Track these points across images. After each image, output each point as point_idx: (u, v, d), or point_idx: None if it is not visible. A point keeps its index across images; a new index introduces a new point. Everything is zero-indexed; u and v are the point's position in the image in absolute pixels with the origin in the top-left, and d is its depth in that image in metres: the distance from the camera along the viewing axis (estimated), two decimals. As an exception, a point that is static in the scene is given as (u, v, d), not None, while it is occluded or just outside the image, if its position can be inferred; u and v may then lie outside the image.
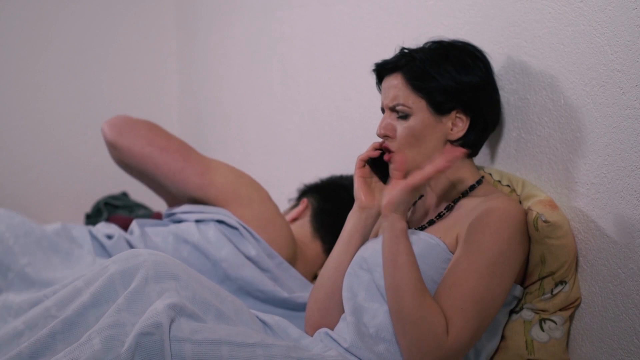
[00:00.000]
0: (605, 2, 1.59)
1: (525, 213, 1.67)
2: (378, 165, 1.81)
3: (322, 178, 2.44)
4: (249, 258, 2.13)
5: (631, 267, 1.58)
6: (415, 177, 1.60)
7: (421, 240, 1.68)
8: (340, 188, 2.35)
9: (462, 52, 1.74)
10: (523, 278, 1.73)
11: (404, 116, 1.72)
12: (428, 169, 1.59)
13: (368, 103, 2.42)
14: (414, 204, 1.88)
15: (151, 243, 2.13)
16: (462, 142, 1.73)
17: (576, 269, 1.71)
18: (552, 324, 1.72)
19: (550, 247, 1.67)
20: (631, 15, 1.54)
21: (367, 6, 2.47)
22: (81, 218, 3.28)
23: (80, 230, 2.15)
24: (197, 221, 2.16)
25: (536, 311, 1.72)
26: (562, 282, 1.70)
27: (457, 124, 1.72)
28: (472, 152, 1.77)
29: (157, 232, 2.17)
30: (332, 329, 1.76)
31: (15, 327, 1.60)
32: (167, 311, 1.50)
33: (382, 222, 1.64)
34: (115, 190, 3.38)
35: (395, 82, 1.73)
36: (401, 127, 1.72)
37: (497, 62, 1.81)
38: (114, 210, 3.18)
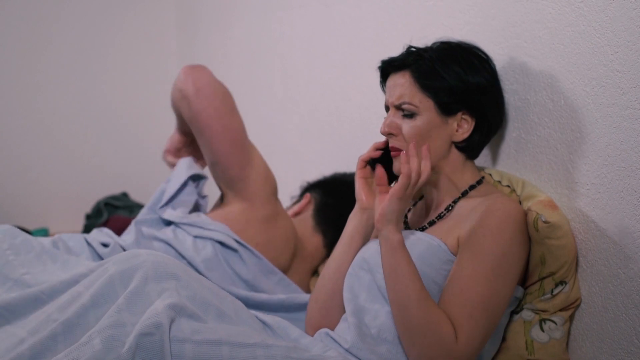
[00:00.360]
0: (605, 3, 1.59)
1: (526, 213, 1.68)
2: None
3: (326, 175, 2.45)
4: (244, 281, 2.14)
5: (631, 267, 1.58)
6: (398, 185, 1.61)
7: (422, 241, 1.68)
8: (343, 184, 2.35)
9: (469, 54, 1.74)
10: (523, 278, 1.73)
11: (410, 115, 1.71)
12: (403, 171, 1.60)
13: (368, 103, 2.42)
14: (414, 204, 1.88)
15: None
16: (467, 143, 1.73)
17: (576, 270, 1.71)
18: (552, 325, 1.72)
19: (550, 247, 1.67)
20: (631, 15, 1.54)
21: (367, 6, 2.47)
22: (81, 218, 3.28)
23: (77, 240, 2.14)
24: (196, 237, 2.16)
25: (536, 311, 1.72)
26: (562, 282, 1.70)
27: (463, 125, 1.72)
28: (474, 153, 1.77)
29: (153, 236, 2.17)
30: (332, 329, 1.76)
31: (17, 334, 1.59)
32: (167, 311, 1.50)
33: (378, 236, 1.64)
34: (115, 190, 3.38)
35: (402, 80, 1.73)
36: (407, 126, 1.71)
37: (497, 63, 1.81)
38: (114, 210, 3.18)
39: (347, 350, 1.65)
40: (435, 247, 1.67)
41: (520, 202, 1.75)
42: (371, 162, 1.81)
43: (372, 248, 1.74)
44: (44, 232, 3.20)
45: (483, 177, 1.79)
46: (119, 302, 1.54)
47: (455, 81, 1.70)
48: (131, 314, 1.53)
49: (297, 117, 2.87)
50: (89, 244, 2.14)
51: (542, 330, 1.72)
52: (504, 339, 1.74)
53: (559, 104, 1.73)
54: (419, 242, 1.68)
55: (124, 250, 2.13)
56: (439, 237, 1.69)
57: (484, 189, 1.76)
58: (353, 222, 1.81)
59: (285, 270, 2.26)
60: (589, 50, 1.64)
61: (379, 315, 1.65)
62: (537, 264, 1.69)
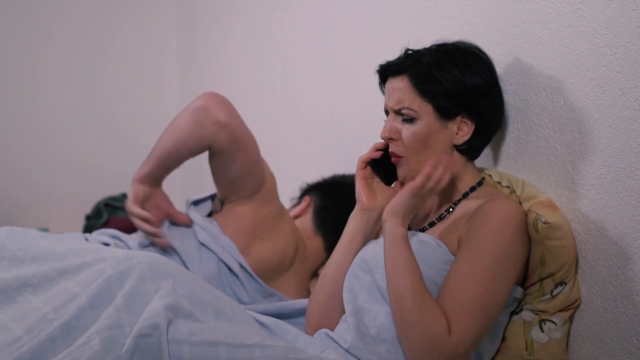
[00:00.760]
0: (605, 4, 1.59)
1: (526, 214, 1.68)
2: (380, 166, 1.81)
3: (325, 177, 2.45)
4: (242, 303, 2.14)
5: (631, 268, 1.58)
6: (414, 182, 1.61)
7: (422, 242, 1.68)
8: (342, 186, 2.35)
9: (467, 55, 1.74)
10: (523, 279, 1.73)
11: (409, 120, 1.71)
12: (425, 171, 1.61)
13: (368, 103, 2.42)
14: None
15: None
16: (467, 146, 1.74)
17: (576, 270, 1.71)
18: (552, 325, 1.72)
19: (550, 248, 1.67)
20: (631, 16, 1.54)
21: (367, 6, 2.47)
22: (81, 219, 3.28)
23: (77, 238, 2.14)
24: (201, 244, 2.16)
25: (536, 312, 1.72)
26: (562, 283, 1.70)
27: (463, 129, 1.72)
28: (474, 155, 1.77)
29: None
30: (332, 329, 1.76)
31: (10, 328, 1.59)
32: (164, 312, 1.50)
33: (383, 227, 1.65)
34: (115, 191, 3.38)
35: (400, 84, 1.73)
36: (407, 131, 1.71)
37: (497, 63, 1.81)
38: (114, 211, 3.18)
39: (346, 350, 1.65)
40: (435, 248, 1.67)
41: (520, 203, 1.75)
42: (371, 163, 1.81)
43: (372, 249, 1.74)
44: (44, 233, 3.20)
45: (483, 178, 1.79)
46: (117, 302, 1.54)
47: (453, 85, 1.69)
48: (129, 314, 1.53)
49: (297, 118, 2.87)
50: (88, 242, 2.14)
51: (542, 330, 1.72)
52: (503, 339, 1.75)
53: (558, 104, 1.73)
54: (419, 243, 1.68)
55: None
56: (439, 238, 1.69)
57: (485, 190, 1.76)
58: (353, 223, 1.81)
59: (287, 269, 2.26)
60: (589, 51, 1.64)
61: (379, 316, 1.66)
62: (537, 265, 1.69)
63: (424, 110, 1.70)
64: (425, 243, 1.68)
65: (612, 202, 1.61)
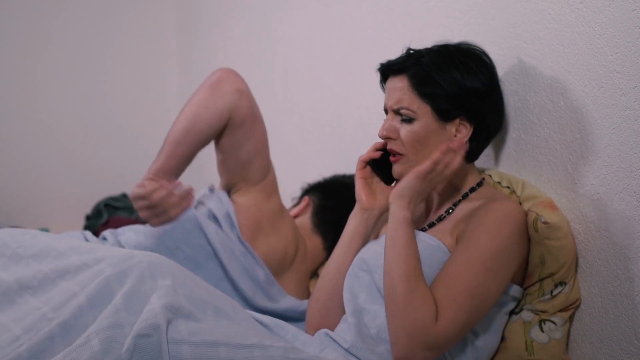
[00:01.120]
0: (604, 4, 1.59)
1: (526, 214, 1.68)
2: (379, 166, 1.81)
3: (325, 177, 2.45)
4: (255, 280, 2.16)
5: (631, 268, 1.58)
6: (422, 165, 1.64)
7: (421, 242, 1.68)
8: (342, 186, 2.36)
9: (468, 57, 1.73)
10: (523, 279, 1.73)
11: (408, 120, 1.71)
12: (433, 157, 1.64)
13: (368, 103, 2.42)
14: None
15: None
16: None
17: (576, 270, 1.71)
18: (552, 325, 1.72)
19: (550, 248, 1.67)
20: (631, 16, 1.54)
21: (367, 6, 2.47)
22: (81, 219, 3.29)
23: (76, 237, 2.14)
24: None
25: (536, 312, 1.73)
26: (561, 283, 1.70)
27: (461, 131, 1.72)
28: (473, 157, 1.77)
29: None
30: (332, 329, 1.76)
31: (9, 328, 1.59)
32: (164, 312, 1.50)
33: (389, 209, 1.66)
34: (115, 191, 3.38)
35: (400, 84, 1.73)
36: (405, 131, 1.71)
37: (497, 64, 1.81)
38: (114, 211, 3.19)
39: (346, 350, 1.65)
40: (434, 248, 1.67)
41: (520, 203, 1.75)
42: (371, 163, 1.81)
43: (372, 249, 1.74)
44: (44, 233, 3.20)
45: (483, 179, 1.79)
46: (117, 301, 1.54)
47: (452, 87, 1.69)
48: (129, 313, 1.52)
49: (297, 118, 2.87)
50: (88, 241, 2.14)
51: (542, 330, 1.72)
52: (503, 339, 1.75)
53: (558, 104, 1.73)
54: (418, 243, 1.68)
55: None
56: (439, 239, 1.69)
57: (485, 191, 1.76)
58: (353, 223, 1.82)
59: (288, 267, 2.27)
60: (589, 51, 1.64)
61: (379, 316, 1.66)
62: (536, 265, 1.70)
63: (423, 111, 1.70)
64: (424, 242, 1.68)
65: (612, 202, 1.61)
